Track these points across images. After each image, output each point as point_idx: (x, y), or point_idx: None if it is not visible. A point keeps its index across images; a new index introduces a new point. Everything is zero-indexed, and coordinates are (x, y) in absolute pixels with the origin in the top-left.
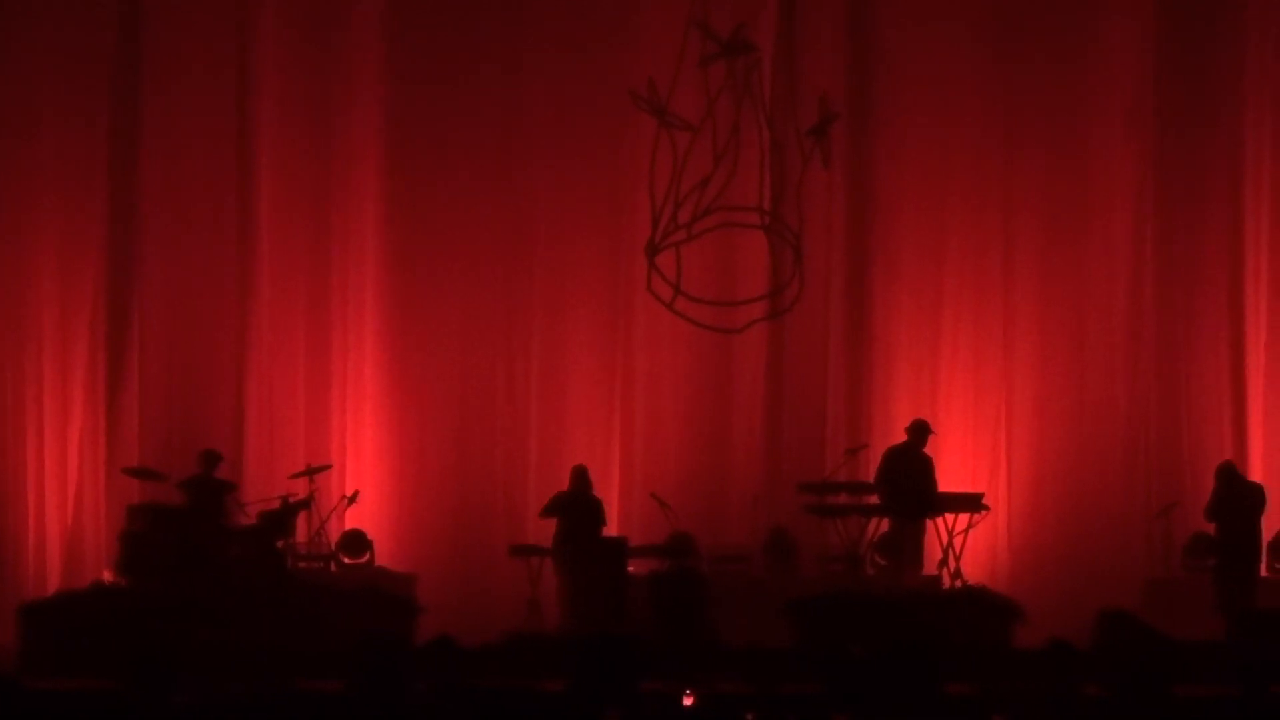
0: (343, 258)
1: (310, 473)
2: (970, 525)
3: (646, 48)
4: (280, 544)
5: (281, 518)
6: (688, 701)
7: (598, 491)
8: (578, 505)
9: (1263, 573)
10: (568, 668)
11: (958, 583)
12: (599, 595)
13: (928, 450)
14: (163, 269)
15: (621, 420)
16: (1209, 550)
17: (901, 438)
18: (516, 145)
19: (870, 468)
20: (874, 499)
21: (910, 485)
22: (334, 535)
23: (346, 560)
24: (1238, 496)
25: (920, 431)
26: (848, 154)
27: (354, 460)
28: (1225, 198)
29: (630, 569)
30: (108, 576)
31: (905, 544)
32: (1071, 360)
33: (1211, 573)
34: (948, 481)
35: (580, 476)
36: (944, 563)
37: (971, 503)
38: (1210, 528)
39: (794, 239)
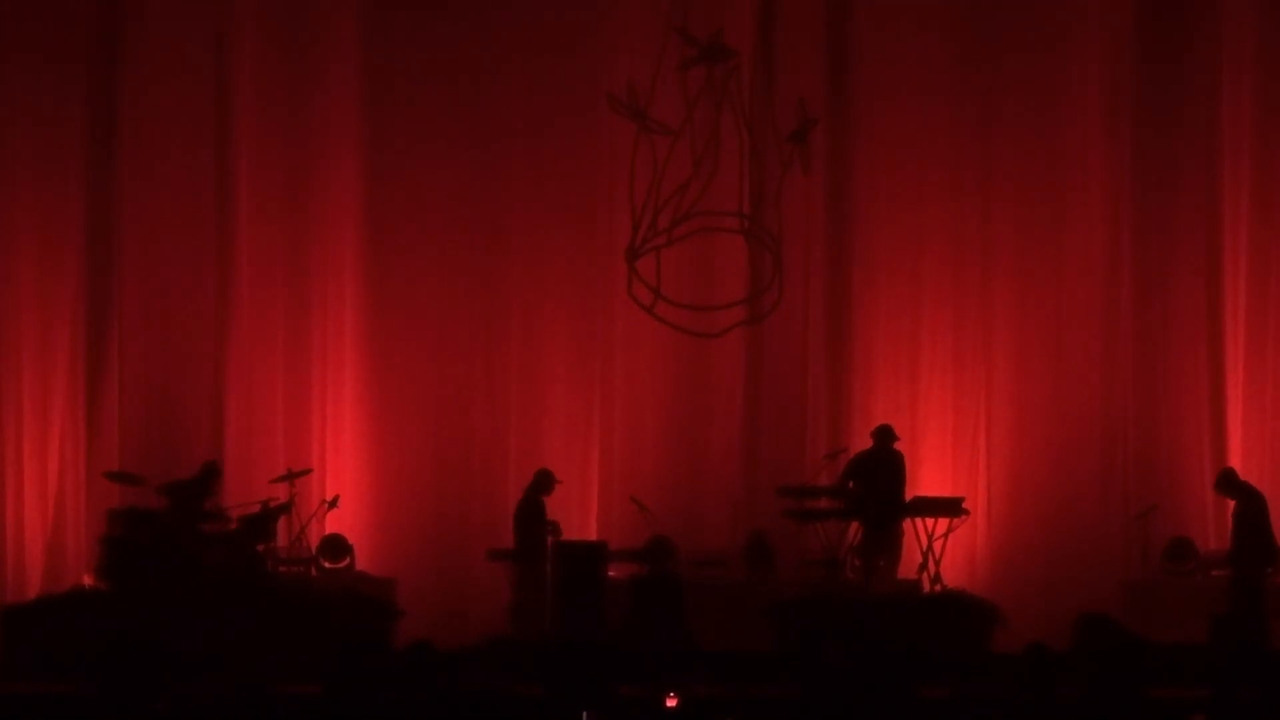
0: (322, 263)
1: (290, 477)
2: (950, 529)
3: (625, 52)
4: (261, 548)
5: (262, 522)
6: (671, 703)
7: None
8: (537, 511)
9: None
10: (545, 672)
11: (937, 587)
12: (578, 599)
13: (899, 448)
14: (142, 274)
15: (601, 425)
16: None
17: None
18: (496, 150)
19: None
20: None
21: (875, 492)
22: (314, 540)
23: (327, 564)
24: (1252, 500)
25: (884, 436)
26: (827, 159)
27: (334, 465)
28: (1203, 196)
29: (610, 573)
30: (88, 581)
31: (881, 548)
32: (1050, 362)
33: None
34: (927, 485)
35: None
36: (924, 566)
37: (951, 507)
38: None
39: (773, 244)
